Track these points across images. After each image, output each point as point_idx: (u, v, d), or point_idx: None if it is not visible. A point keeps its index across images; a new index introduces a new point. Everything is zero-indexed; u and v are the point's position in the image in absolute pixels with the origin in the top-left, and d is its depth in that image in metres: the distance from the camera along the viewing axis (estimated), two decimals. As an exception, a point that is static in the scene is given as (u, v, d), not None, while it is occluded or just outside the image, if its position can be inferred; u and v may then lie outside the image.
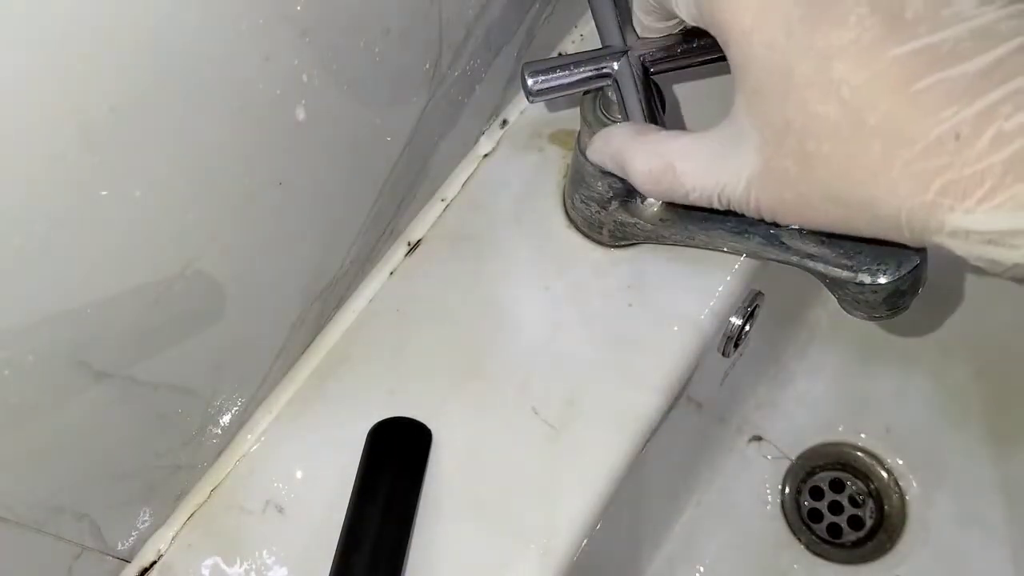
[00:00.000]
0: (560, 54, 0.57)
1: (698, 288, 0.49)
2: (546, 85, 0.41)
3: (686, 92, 0.55)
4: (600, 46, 0.42)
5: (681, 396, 0.49)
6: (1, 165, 0.28)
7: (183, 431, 0.43)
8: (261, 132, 0.38)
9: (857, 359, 0.78)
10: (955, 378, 0.76)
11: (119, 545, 0.44)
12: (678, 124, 0.54)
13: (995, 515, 0.71)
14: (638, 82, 0.41)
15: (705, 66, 0.42)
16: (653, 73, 0.42)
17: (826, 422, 0.76)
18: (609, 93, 0.42)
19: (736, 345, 0.53)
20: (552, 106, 0.56)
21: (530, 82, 0.41)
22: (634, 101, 0.40)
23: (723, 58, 0.41)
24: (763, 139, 0.30)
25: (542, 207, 0.52)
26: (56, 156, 0.30)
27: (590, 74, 0.42)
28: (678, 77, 0.54)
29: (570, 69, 0.42)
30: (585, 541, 0.45)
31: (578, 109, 0.44)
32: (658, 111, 0.40)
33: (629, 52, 0.41)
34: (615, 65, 0.41)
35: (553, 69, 0.41)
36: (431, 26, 0.44)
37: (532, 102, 0.43)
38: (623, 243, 0.50)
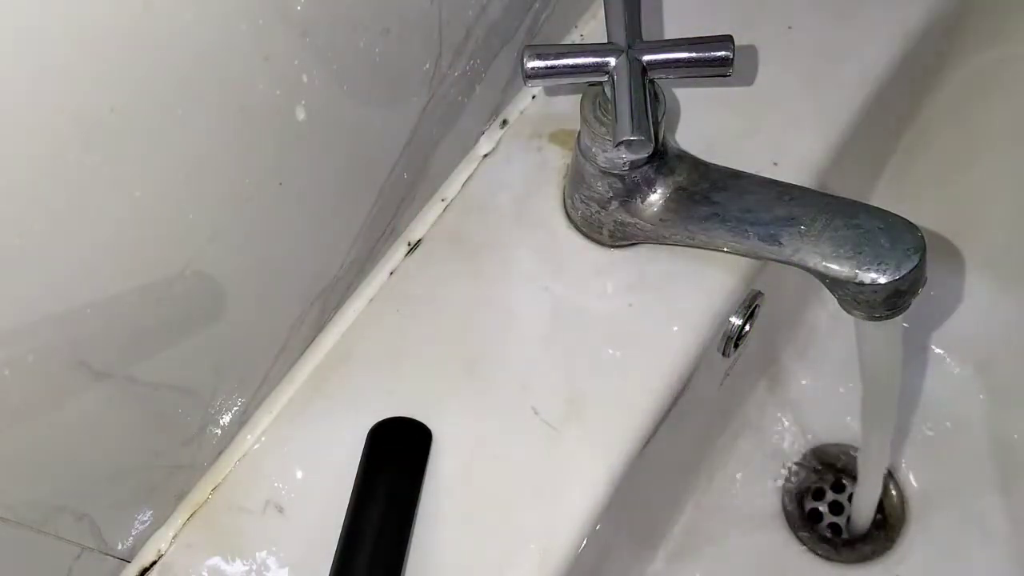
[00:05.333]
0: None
1: (698, 288, 0.49)
2: (543, 65, 0.41)
3: (687, 96, 0.55)
4: (605, 42, 0.42)
5: (681, 396, 0.49)
6: (1, 165, 0.28)
7: (183, 431, 0.43)
8: (261, 132, 0.38)
9: (857, 359, 0.78)
10: (955, 378, 0.76)
11: (119, 545, 0.44)
12: (675, 130, 0.54)
13: (995, 515, 0.71)
14: (633, 83, 0.41)
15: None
16: (652, 76, 0.42)
17: (826, 422, 0.76)
18: (606, 91, 0.42)
19: (736, 345, 0.53)
20: (553, 106, 0.56)
21: (528, 64, 0.41)
22: (624, 102, 0.40)
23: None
24: None
25: (542, 207, 0.52)
26: (56, 156, 0.30)
27: (588, 66, 0.42)
28: (682, 81, 0.54)
29: (569, 57, 0.42)
30: (585, 541, 0.45)
31: (579, 109, 0.44)
32: (649, 114, 0.40)
33: (629, 51, 0.41)
34: (612, 62, 0.41)
35: (552, 55, 0.41)
36: (431, 26, 0.44)
37: (528, 85, 0.42)
38: (623, 243, 0.50)
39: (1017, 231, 0.75)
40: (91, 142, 0.31)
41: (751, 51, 0.57)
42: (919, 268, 0.41)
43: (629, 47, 0.41)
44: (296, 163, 0.41)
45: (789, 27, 0.58)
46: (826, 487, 0.75)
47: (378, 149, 0.46)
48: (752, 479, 0.75)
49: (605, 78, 0.42)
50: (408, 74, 0.45)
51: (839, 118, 0.54)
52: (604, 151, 0.44)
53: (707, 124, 0.54)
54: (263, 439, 0.47)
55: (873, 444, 0.63)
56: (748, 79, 0.56)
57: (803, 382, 0.77)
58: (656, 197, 0.46)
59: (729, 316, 0.51)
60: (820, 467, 0.76)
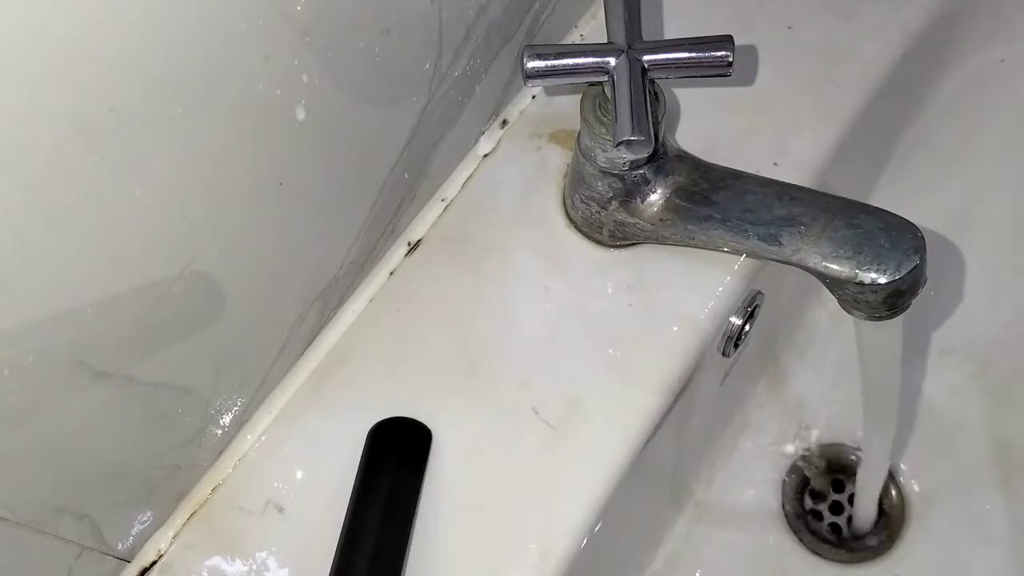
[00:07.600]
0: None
1: (698, 288, 0.49)
2: (543, 65, 0.41)
3: (687, 96, 0.55)
4: (605, 42, 0.42)
5: (681, 396, 0.49)
6: (1, 165, 0.28)
7: (183, 431, 0.43)
8: (261, 132, 0.38)
9: (857, 359, 0.78)
10: (955, 378, 0.76)
11: (119, 545, 0.44)
12: (675, 130, 0.54)
13: (995, 515, 0.71)
14: (633, 83, 0.41)
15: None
16: (652, 77, 0.42)
17: (826, 422, 0.76)
18: (606, 91, 0.42)
19: (736, 345, 0.53)
20: (553, 106, 0.56)
21: (528, 64, 0.41)
22: (624, 102, 0.40)
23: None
24: None
25: (542, 207, 0.52)
26: (56, 156, 0.30)
27: (588, 66, 0.41)
28: (682, 81, 0.55)
29: (568, 57, 0.42)
30: (585, 541, 0.45)
31: (579, 109, 0.44)
32: (648, 114, 0.40)
33: (628, 51, 0.41)
34: (612, 62, 0.41)
35: (552, 55, 0.41)
36: (431, 26, 0.44)
37: (528, 85, 0.42)
38: (623, 243, 0.50)
39: (1016, 231, 0.75)
40: (91, 142, 0.31)
41: (751, 51, 0.57)
42: (919, 268, 0.41)
43: (629, 47, 0.41)
44: (296, 163, 0.41)
45: (789, 27, 0.58)
46: (826, 487, 0.75)
47: (378, 149, 0.46)
48: (752, 479, 0.75)
49: (605, 78, 0.42)
50: (408, 74, 0.45)
51: (839, 118, 0.55)
52: (604, 151, 0.44)
53: (707, 124, 0.54)
54: (263, 439, 0.47)
55: (873, 444, 0.63)
56: (748, 79, 0.56)
57: (803, 382, 0.77)
58: (656, 197, 0.46)
59: (729, 316, 0.51)
60: (820, 467, 0.76)
